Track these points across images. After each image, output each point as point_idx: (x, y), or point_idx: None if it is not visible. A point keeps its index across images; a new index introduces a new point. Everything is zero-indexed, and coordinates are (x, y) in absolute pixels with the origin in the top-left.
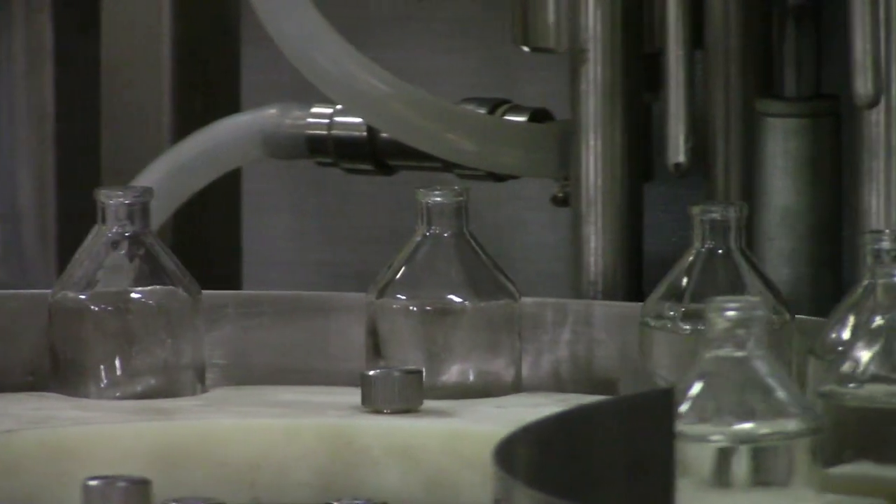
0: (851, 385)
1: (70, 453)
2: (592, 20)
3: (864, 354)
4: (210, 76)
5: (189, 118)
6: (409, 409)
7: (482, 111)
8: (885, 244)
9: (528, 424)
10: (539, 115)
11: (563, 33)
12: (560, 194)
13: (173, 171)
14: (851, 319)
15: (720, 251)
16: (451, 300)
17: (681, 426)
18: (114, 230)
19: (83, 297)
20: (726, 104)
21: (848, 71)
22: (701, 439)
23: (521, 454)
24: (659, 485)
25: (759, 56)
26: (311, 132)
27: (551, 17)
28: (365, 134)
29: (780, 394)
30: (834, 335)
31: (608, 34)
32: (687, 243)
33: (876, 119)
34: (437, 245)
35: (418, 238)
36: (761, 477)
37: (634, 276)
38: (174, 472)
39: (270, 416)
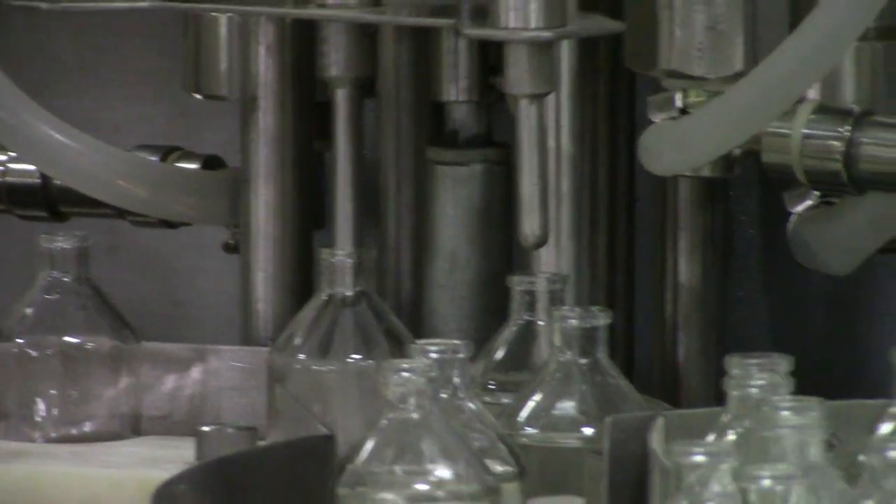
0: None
1: None
2: (263, 69)
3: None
4: None
5: None
6: None
7: (154, 158)
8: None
9: (188, 469)
10: (211, 163)
11: (235, 81)
12: (231, 241)
13: None
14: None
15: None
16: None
17: (344, 488)
18: (53, 275)
19: (21, 341)
20: (398, 152)
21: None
22: (358, 502)
23: (180, 498)
24: None
25: (430, 104)
26: None
27: (223, 65)
28: (38, 181)
29: (451, 457)
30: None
31: (278, 83)
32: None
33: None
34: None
35: (323, 296)
36: None
37: None
38: None
39: (100, 465)
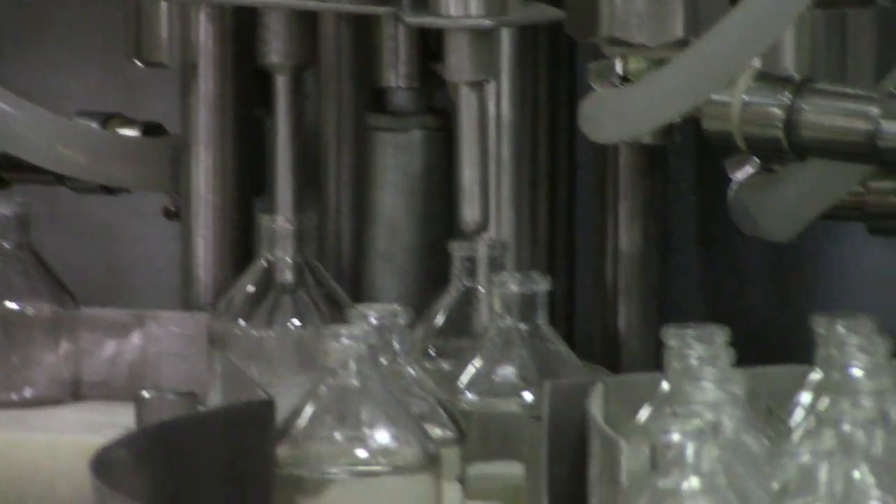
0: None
1: None
2: (203, 36)
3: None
4: None
5: None
6: None
7: (94, 125)
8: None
9: (127, 434)
10: (151, 129)
11: (175, 48)
12: (171, 207)
13: None
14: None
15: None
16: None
17: (284, 453)
18: None
19: None
20: (338, 118)
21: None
22: (298, 467)
23: (119, 464)
24: (257, 493)
25: (371, 71)
26: None
27: (164, 33)
28: None
29: (390, 423)
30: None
31: (218, 50)
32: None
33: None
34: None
35: (263, 262)
36: None
37: None
38: None
39: (39, 431)
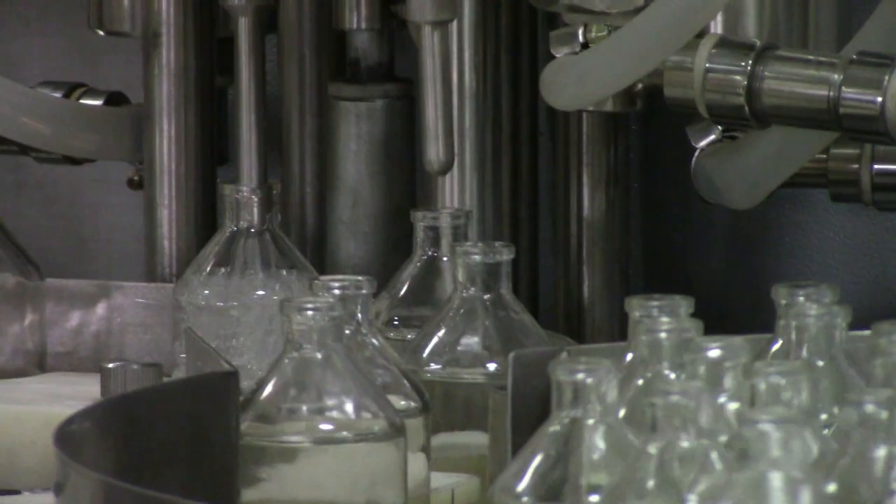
0: (434, 365)
1: None
2: (165, 4)
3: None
4: None
5: None
6: None
7: (57, 95)
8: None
9: (91, 405)
10: (115, 99)
11: (138, 17)
12: (135, 177)
13: None
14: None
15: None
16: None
17: (248, 425)
18: None
19: None
20: (300, 86)
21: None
22: (261, 438)
23: (83, 435)
24: (220, 465)
25: (333, 36)
26: None
27: (126, 2)
28: None
29: (354, 395)
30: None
31: (180, 18)
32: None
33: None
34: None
35: (227, 233)
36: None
37: None
38: None
39: (4, 402)
